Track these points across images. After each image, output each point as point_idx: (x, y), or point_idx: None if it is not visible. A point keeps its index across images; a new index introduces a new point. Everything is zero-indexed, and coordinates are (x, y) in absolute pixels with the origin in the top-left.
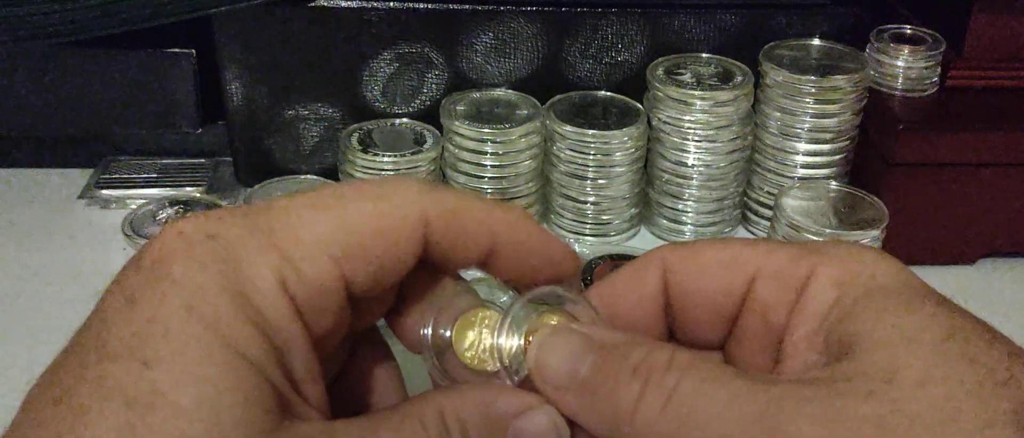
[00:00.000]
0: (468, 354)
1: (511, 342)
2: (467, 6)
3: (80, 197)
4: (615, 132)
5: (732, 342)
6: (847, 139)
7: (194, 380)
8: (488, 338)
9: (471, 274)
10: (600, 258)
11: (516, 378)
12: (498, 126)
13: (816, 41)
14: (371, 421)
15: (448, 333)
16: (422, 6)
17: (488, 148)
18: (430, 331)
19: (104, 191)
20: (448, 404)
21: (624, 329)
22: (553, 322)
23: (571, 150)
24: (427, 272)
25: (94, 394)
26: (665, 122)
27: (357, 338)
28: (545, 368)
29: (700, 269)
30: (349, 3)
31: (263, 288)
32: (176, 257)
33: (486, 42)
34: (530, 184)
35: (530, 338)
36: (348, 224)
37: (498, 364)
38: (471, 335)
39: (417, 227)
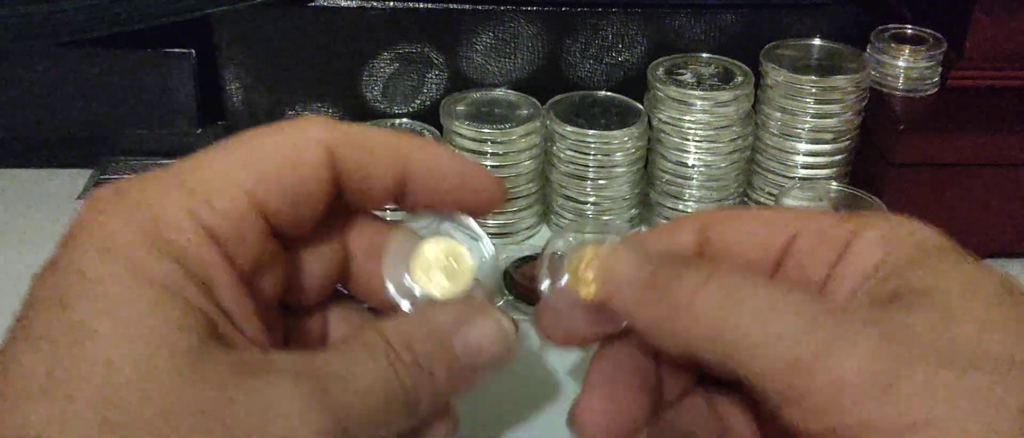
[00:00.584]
0: (422, 282)
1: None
2: (467, 6)
3: (80, 197)
4: (615, 132)
5: None
6: (848, 139)
7: (112, 309)
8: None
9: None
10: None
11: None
12: (498, 126)
13: (817, 41)
14: (313, 351)
15: (404, 268)
16: (422, 6)
17: (488, 148)
18: (388, 272)
19: None
20: (390, 327)
21: None
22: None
23: (571, 150)
24: (373, 225)
25: (22, 344)
26: (665, 122)
27: (333, 315)
28: (610, 272)
29: (738, 226)
30: (349, 3)
31: (174, 222)
32: (88, 213)
33: (486, 42)
34: (530, 184)
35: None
36: (255, 158)
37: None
38: (424, 267)
39: (323, 154)
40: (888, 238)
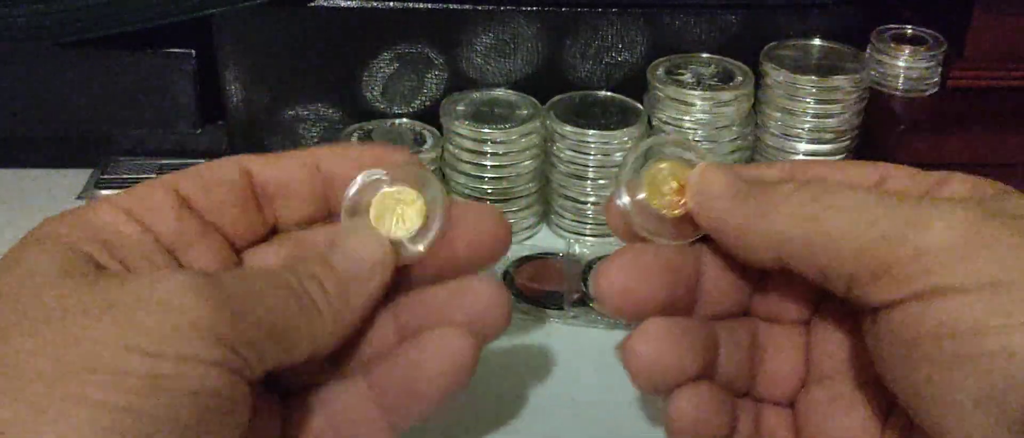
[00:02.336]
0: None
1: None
2: (467, 6)
3: (79, 197)
4: (615, 132)
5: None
6: (848, 139)
7: (11, 259)
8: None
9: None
10: (600, 258)
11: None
12: (498, 126)
13: (817, 41)
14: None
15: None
16: (422, 6)
17: (488, 148)
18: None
19: (103, 191)
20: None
21: None
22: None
23: (571, 150)
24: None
25: None
26: (665, 122)
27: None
28: (706, 184)
29: (829, 167)
30: (349, 3)
31: (93, 205)
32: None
33: (486, 42)
34: (530, 184)
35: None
36: (176, 173)
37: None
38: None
39: (234, 164)
40: (974, 182)
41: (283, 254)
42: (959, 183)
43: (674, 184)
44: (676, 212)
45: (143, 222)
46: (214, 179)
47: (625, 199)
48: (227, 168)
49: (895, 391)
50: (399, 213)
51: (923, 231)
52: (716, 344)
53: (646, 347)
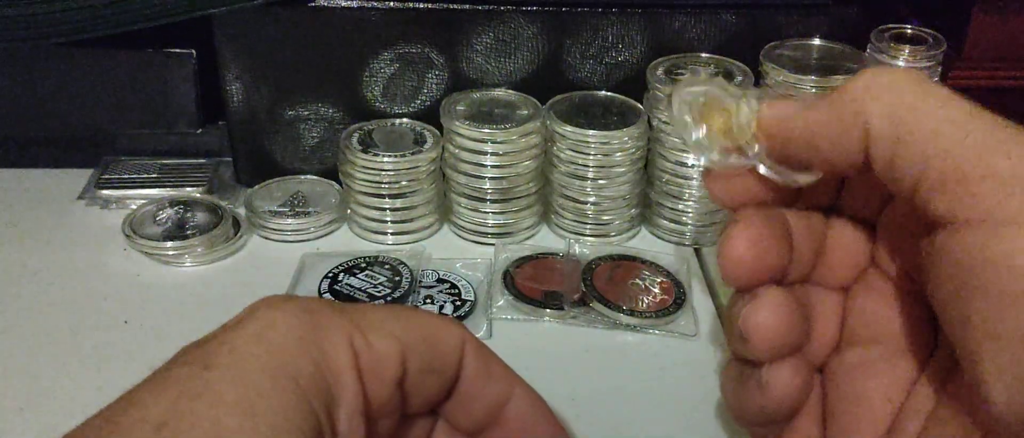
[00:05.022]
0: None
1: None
2: (467, 6)
3: (80, 197)
4: (615, 132)
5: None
6: None
7: (242, 382)
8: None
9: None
10: (600, 258)
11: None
12: (498, 126)
13: (816, 41)
14: None
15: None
16: (422, 6)
17: (488, 148)
18: (700, 129)
19: (104, 191)
20: None
21: None
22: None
23: (571, 150)
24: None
25: (152, 387)
26: (665, 122)
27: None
28: (775, 109)
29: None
30: (349, 3)
31: (331, 337)
32: (261, 305)
33: (486, 42)
34: (530, 184)
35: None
36: (409, 320)
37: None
38: (718, 115)
39: (458, 347)
40: None
41: None
42: None
43: (737, 120)
44: (753, 146)
45: (365, 383)
46: (434, 363)
47: (700, 132)
48: (451, 349)
49: (941, 316)
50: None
51: (1009, 157)
52: (807, 312)
53: (770, 318)
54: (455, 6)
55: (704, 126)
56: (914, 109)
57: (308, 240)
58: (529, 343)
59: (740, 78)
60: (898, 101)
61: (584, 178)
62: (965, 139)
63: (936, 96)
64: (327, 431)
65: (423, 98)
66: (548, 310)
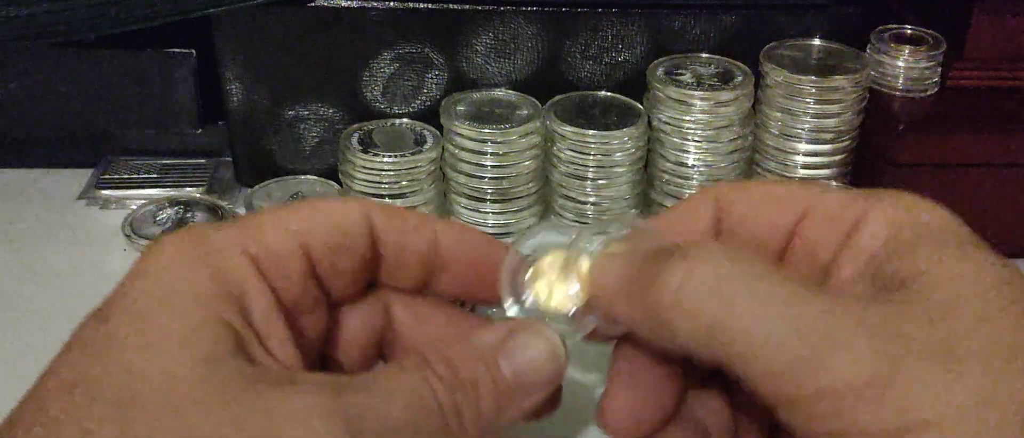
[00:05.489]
0: (543, 300)
1: (582, 276)
2: (467, 6)
3: (80, 197)
4: (615, 132)
5: None
6: (848, 139)
7: (143, 321)
8: (558, 280)
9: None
10: None
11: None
12: (498, 126)
13: (816, 41)
14: (346, 375)
15: (522, 287)
16: (422, 6)
17: (488, 148)
18: (508, 290)
19: (104, 191)
20: (429, 346)
21: None
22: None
23: (571, 150)
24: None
25: (64, 352)
26: (665, 122)
27: (397, 306)
28: (598, 281)
29: (751, 204)
30: (349, 3)
31: (223, 251)
32: (149, 248)
33: (486, 42)
34: (530, 185)
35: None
36: (304, 211)
37: (569, 295)
38: (543, 282)
39: (362, 215)
40: (893, 221)
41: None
42: (876, 229)
43: (564, 280)
44: (573, 307)
45: (272, 283)
46: (341, 242)
47: (514, 309)
48: (354, 224)
49: None
50: (555, 282)
51: (833, 364)
52: None
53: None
54: (455, 6)
55: (531, 295)
56: (724, 328)
57: None
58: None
59: (740, 78)
60: (700, 322)
61: (584, 178)
62: (782, 355)
63: (747, 298)
64: (248, 336)
65: (423, 98)
66: None
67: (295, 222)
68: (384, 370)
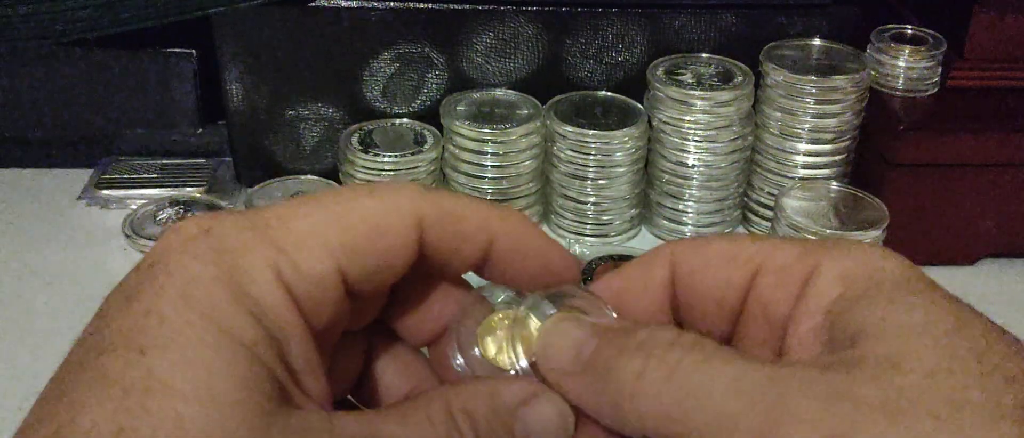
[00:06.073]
0: (491, 354)
1: (527, 339)
2: (467, 6)
3: (80, 197)
4: (615, 132)
5: (736, 338)
6: (848, 139)
7: (189, 364)
8: (507, 338)
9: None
10: (600, 258)
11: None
12: (498, 126)
13: (817, 41)
14: (375, 414)
15: (472, 336)
16: (422, 6)
17: (488, 148)
18: (456, 334)
19: (104, 191)
20: (454, 397)
21: (631, 320)
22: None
23: (571, 150)
24: (428, 275)
25: (92, 385)
26: (665, 122)
27: (374, 340)
28: (549, 355)
29: (705, 262)
30: (349, 3)
31: (258, 278)
32: (172, 252)
33: (486, 42)
34: (530, 184)
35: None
36: (344, 220)
37: (517, 363)
38: (492, 338)
39: (412, 225)
40: (845, 273)
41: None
42: (828, 284)
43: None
44: (509, 366)
45: (304, 310)
46: (384, 262)
47: (459, 360)
48: (401, 238)
49: None
50: (519, 338)
51: (783, 435)
52: None
53: None
54: (455, 6)
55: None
56: (682, 414)
57: None
58: None
59: (740, 78)
60: (659, 410)
61: (584, 178)
62: (743, 430)
63: (699, 382)
64: (286, 379)
65: (423, 98)
66: None
67: (334, 235)
68: (416, 422)
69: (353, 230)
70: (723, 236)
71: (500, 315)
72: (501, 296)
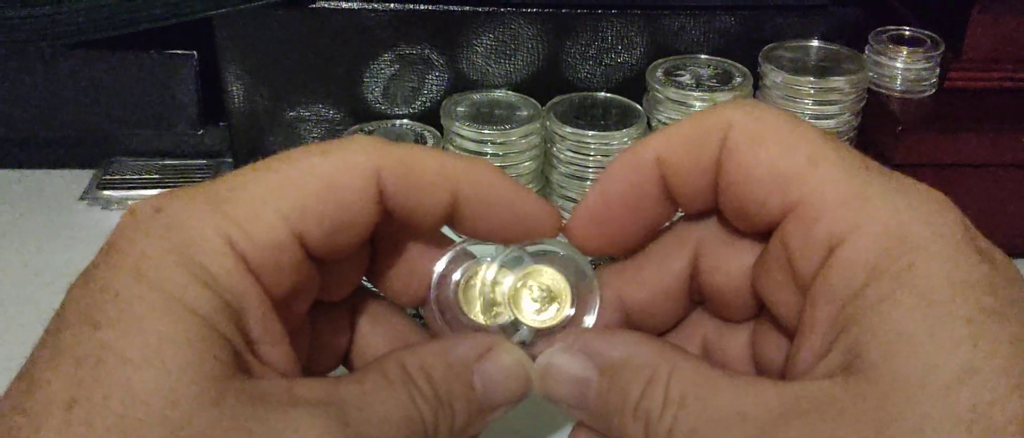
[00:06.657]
0: (474, 312)
1: (504, 296)
2: (467, 8)
3: (81, 198)
4: (615, 133)
5: (765, 258)
6: (846, 140)
7: (141, 333)
8: (480, 296)
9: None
10: (600, 259)
11: (517, 332)
12: (498, 127)
13: (815, 42)
14: (335, 379)
15: (454, 294)
16: (423, 7)
17: (488, 149)
18: (434, 292)
19: (105, 192)
20: (410, 357)
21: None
22: (543, 283)
23: (571, 151)
24: (407, 235)
25: (48, 361)
26: (665, 123)
27: (365, 309)
28: (551, 391)
29: (755, 160)
30: (350, 4)
31: (210, 249)
32: (125, 231)
33: (487, 43)
34: (530, 185)
35: (529, 284)
36: (295, 182)
37: (495, 321)
38: (473, 295)
39: (369, 179)
40: (875, 250)
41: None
42: (856, 268)
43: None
44: (491, 322)
45: (264, 282)
46: (342, 221)
47: (440, 319)
48: (358, 195)
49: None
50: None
51: None
52: None
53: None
54: (455, 7)
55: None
56: None
57: None
58: None
59: (739, 79)
60: None
61: (584, 179)
62: None
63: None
64: (242, 347)
65: (423, 99)
66: None
67: (286, 202)
68: (372, 383)
69: (306, 191)
70: (787, 123)
71: (480, 271)
72: (491, 251)
